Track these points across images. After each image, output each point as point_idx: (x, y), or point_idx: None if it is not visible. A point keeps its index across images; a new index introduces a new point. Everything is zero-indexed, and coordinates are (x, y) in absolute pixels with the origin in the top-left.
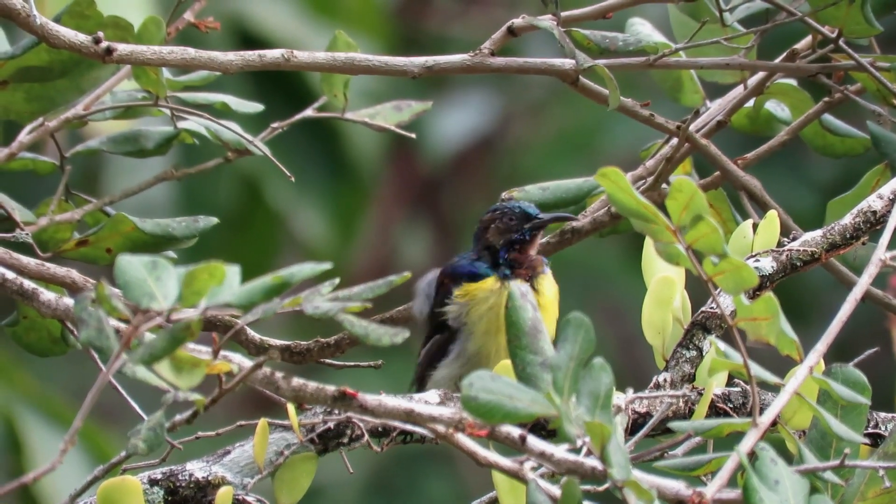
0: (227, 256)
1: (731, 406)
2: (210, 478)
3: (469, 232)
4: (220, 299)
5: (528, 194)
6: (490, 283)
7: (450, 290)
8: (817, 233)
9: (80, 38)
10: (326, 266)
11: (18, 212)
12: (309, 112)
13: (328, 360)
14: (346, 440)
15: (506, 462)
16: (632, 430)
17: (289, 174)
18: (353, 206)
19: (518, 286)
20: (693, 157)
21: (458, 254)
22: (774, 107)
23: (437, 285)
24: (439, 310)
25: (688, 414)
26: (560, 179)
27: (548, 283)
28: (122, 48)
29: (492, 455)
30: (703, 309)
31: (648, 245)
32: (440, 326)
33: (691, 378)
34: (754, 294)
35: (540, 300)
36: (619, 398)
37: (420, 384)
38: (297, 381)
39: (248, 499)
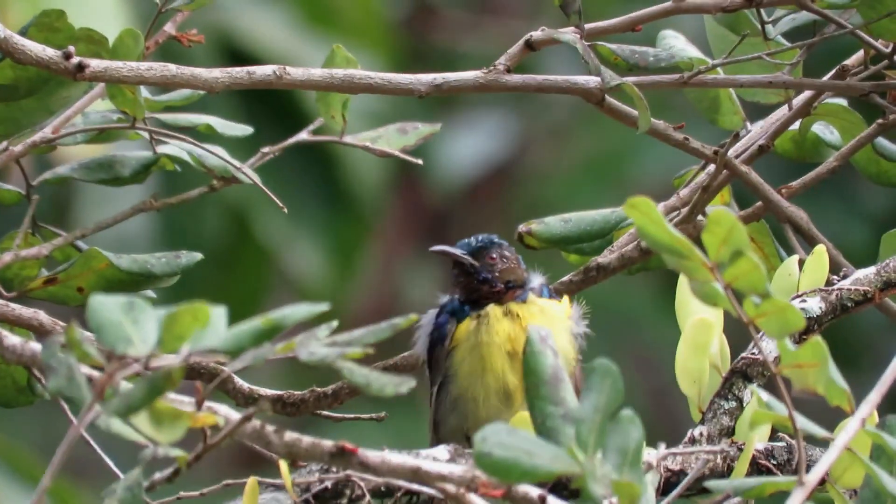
0: (212, 296)
1: (775, 463)
2: None
3: None
4: (205, 344)
5: (548, 227)
6: (467, 323)
7: (443, 336)
8: (870, 270)
9: (49, 52)
10: (323, 307)
11: None
12: (303, 135)
13: (325, 413)
14: (345, 501)
15: None
16: (664, 490)
17: (281, 205)
18: (352, 240)
19: (538, 329)
20: (732, 185)
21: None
22: (822, 129)
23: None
24: (431, 356)
25: (726, 471)
26: (584, 210)
27: (534, 309)
28: (95, 64)
29: None
30: (743, 355)
31: (683, 284)
32: (435, 373)
33: (730, 432)
34: (800, 338)
35: (520, 324)
36: (650, 454)
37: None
38: (290, 435)
39: None
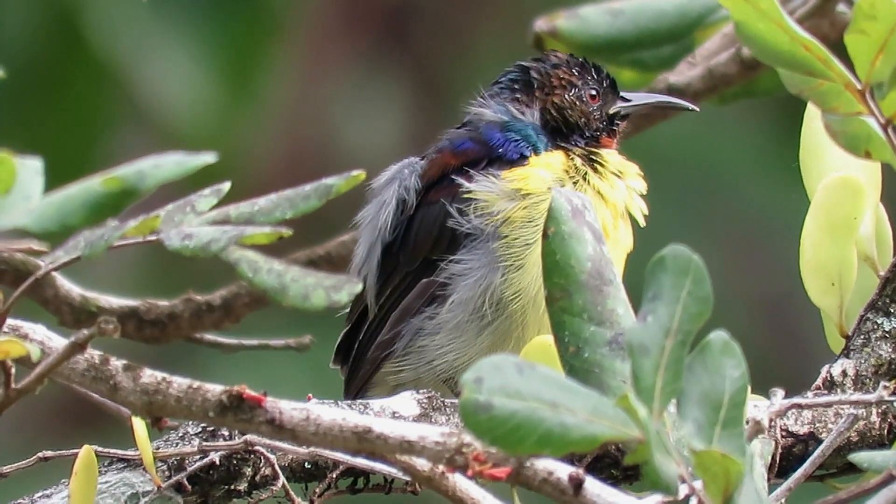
0: (20, 141)
1: None
2: None
3: (468, 95)
4: (9, 220)
5: (584, 23)
6: (561, 158)
7: (460, 184)
8: None
9: None
10: (206, 159)
11: None
12: None
13: (210, 337)
14: (243, 486)
15: None
16: (782, 468)
17: None
18: (251, 47)
19: (569, 196)
20: None
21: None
22: None
23: (430, 165)
24: (456, 213)
25: (887, 436)
26: None
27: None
28: None
29: None
30: None
31: (812, 119)
32: (427, 261)
33: (893, 368)
34: None
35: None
36: (757, 407)
37: (368, 376)
38: (151, 375)
39: None
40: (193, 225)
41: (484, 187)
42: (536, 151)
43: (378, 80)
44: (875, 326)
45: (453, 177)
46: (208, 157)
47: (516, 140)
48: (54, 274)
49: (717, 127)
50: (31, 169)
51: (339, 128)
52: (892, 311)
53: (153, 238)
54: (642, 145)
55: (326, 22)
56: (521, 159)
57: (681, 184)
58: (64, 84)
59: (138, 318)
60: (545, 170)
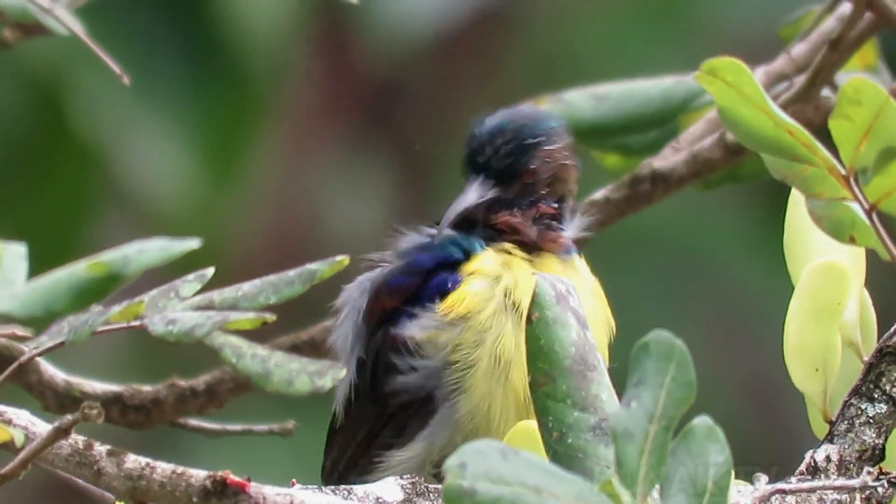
0: (5, 225)
1: None
2: None
3: (453, 177)
4: None
5: (570, 108)
6: (488, 259)
7: (400, 330)
8: None
9: None
10: (190, 245)
11: None
12: None
13: (194, 422)
14: None
15: None
16: None
17: (119, 71)
18: (236, 131)
19: (553, 281)
20: (880, 38)
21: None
22: None
23: (369, 311)
24: (405, 364)
25: None
26: (631, 80)
27: (583, 279)
28: None
29: None
30: None
31: (796, 205)
32: (389, 396)
33: (877, 454)
34: None
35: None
36: (741, 492)
37: (346, 474)
38: (135, 460)
39: None
40: (177, 310)
41: (424, 328)
42: (468, 257)
43: (363, 162)
44: (859, 412)
45: (392, 330)
46: (192, 243)
47: (444, 256)
48: (38, 359)
49: (701, 211)
50: (15, 254)
51: (324, 211)
52: (875, 396)
53: (137, 323)
54: (627, 229)
55: (311, 104)
56: (449, 288)
57: (665, 267)
58: (47, 168)
59: (122, 403)
60: (479, 281)
